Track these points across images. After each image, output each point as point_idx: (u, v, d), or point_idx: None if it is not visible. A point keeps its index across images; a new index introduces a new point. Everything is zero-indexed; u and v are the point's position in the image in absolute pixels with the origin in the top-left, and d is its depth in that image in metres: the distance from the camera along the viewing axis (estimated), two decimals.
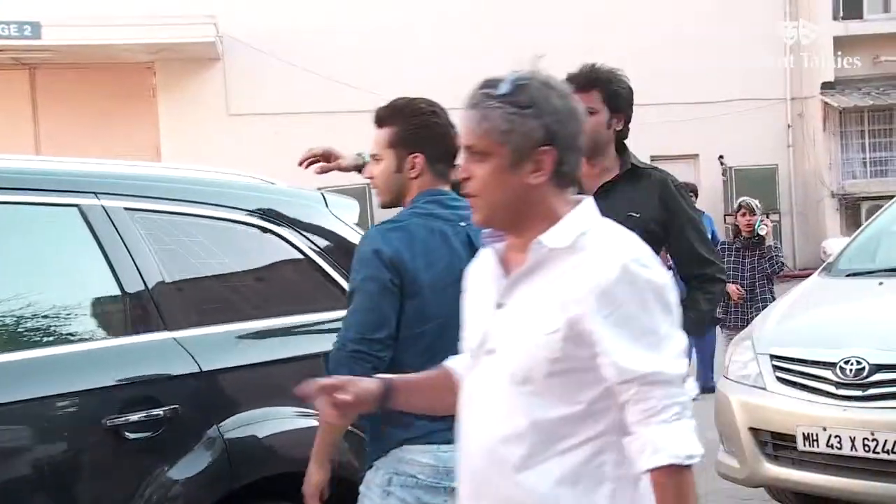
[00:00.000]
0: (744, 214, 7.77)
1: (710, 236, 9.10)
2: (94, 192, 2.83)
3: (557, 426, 1.75)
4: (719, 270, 3.42)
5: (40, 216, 2.80)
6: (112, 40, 16.73)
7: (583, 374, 1.74)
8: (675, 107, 18.43)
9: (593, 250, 1.74)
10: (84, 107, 17.87)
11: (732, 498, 5.48)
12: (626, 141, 3.44)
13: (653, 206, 3.33)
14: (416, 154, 2.59)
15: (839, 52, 19.37)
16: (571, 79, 3.35)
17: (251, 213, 3.14)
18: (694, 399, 6.84)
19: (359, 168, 3.17)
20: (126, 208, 2.86)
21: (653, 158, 18.21)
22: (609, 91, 3.32)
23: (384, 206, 2.70)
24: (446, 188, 2.63)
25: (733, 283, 7.45)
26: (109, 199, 2.84)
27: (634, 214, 3.30)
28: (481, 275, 1.92)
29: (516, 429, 1.76)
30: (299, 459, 2.58)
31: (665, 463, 1.70)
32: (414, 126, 2.60)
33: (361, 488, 2.55)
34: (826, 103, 19.38)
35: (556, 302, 1.73)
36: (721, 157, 19.20)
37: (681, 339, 1.76)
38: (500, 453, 1.78)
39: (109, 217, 2.82)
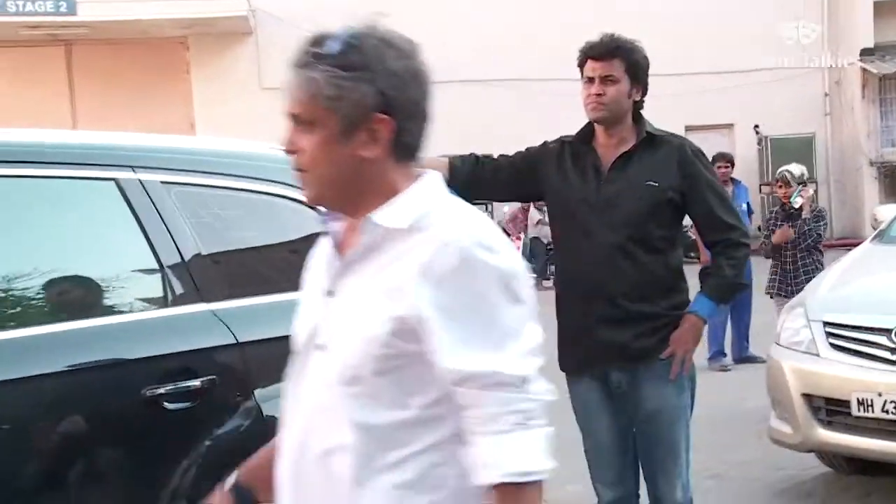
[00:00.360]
0: (780, 186, 7.71)
1: (745, 206, 9.04)
2: (131, 166, 2.86)
3: (390, 433, 1.53)
4: (742, 235, 3.38)
5: (78, 190, 2.84)
6: (146, 15, 16.83)
7: (416, 373, 1.52)
8: (709, 76, 18.26)
9: (432, 232, 1.51)
10: (119, 82, 18.01)
11: (770, 468, 5.50)
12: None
13: (671, 173, 3.31)
14: None
15: (878, 18, 19.04)
16: (592, 47, 3.33)
17: (286, 185, 3.15)
18: (728, 369, 6.88)
19: None
20: (163, 182, 2.89)
21: (687, 128, 18.10)
22: (630, 60, 3.29)
23: None
24: None
25: (780, 251, 7.42)
26: (146, 173, 2.87)
27: (653, 183, 3.28)
28: (318, 260, 1.70)
29: (345, 437, 1.54)
30: None
31: (496, 480, 1.48)
32: None
33: None
34: (865, 70, 19.09)
35: (388, 290, 1.51)
36: (756, 126, 18.99)
37: (531, 336, 1.53)
38: (330, 467, 1.56)
39: (146, 190, 2.84)
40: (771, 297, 7.58)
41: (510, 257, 1.53)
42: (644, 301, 3.28)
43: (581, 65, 3.34)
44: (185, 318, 2.82)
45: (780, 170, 8.02)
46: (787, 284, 7.39)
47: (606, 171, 3.33)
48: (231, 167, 3.08)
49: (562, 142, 3.44)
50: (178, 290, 2.85)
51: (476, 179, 3.37)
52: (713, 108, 18.54)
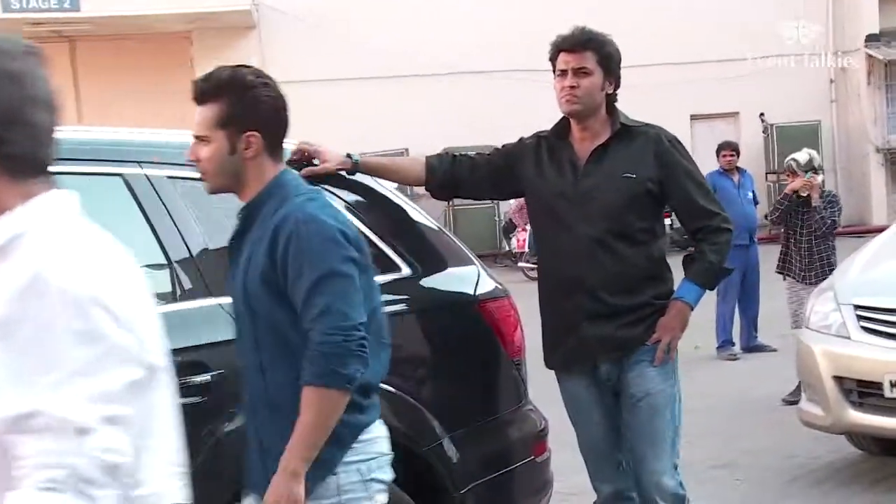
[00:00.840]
0: (788, 176, 7.67)
1: (751, 195, 8.99)
2: (137, 162, 2.87)
3: None
4: (723, 220, 3.36)
5: (85, 186, 2.82)
6: (149, 10, 16.82)
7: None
8: (715, 65, 18.19)
9: (16, 255, 1.30)
10: (123, 78, 18.01)
11: (781, 456, 5.50)
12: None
13: (648, 163, 3.30)
14: (252, 133, 2.34)
15: (883, 3, 18.95)
16: (564, 40, 3.31)
17: None
18: (737, 358, 6.92)
19: (347, 169, 3.06)
20: (169, 177, 2.89)
21: (692, 117, 18.07)
22: (603, 53, 3.29)
23: (214, 192, 2.47)
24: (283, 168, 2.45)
25: (793, 240, 7.37)
26: (153, 168, 2.87)
27: (630, 175, 3.27)
28: None
29: None
30: None
31: None
32: (247, 101, 2.35)
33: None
34: (870, 56, 19.00)
35: None
36: (762, 114, 18.93)
37: (110, 381, 1.28)
38: None
39: (153, 186, 2.85)
40: (784, 279, 7.55)
41: (98, 286, 1.32)
42: (626, 293, 3.28)
43: (553, 58, 3.33)
44: (194, 313, 2.82)
45: (787, 159, 7.98)
46: (801, 269, 7.36)
47: (583, 165, 3.33)
48: None
49: (538, 137, 3.44)
50: (187, 284, 2.86)
51: (453, 178, 3.38)
52: (718, 97, 18.48)
